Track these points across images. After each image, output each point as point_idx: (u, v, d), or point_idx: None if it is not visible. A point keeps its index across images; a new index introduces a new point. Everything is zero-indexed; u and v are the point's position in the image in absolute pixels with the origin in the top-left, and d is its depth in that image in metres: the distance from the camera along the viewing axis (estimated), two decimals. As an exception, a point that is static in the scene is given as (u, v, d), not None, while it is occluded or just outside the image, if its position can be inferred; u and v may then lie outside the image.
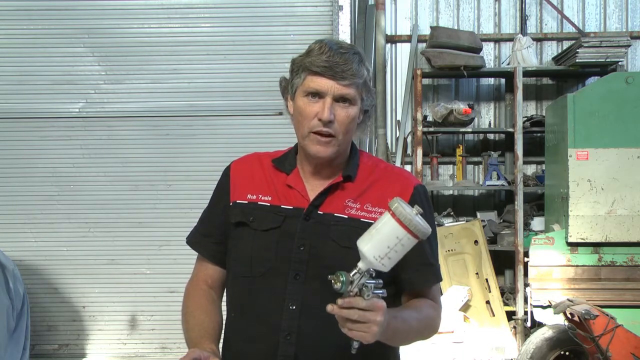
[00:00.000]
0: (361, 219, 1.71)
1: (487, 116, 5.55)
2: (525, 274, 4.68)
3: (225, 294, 1.85)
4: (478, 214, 5.32)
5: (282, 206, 1.74)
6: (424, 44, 5.33)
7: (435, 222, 1.90)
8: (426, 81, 5.39)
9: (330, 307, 1.46)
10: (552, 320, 4.24)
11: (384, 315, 1.48)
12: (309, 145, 1.70)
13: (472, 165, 5.51)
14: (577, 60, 4.87)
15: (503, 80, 5.48)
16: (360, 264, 1.49)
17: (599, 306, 3.94)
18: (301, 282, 1.67)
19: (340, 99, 1.68)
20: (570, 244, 4.32)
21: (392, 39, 5.46)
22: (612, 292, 4.25)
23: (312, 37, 4.52)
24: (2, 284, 3.89)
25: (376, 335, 1.48)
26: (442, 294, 4.46)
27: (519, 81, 4.98)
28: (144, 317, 4.95)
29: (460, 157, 5.34)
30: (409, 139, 5.33)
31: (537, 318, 4.34)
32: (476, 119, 5.40)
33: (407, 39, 5.45)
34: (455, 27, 5.41)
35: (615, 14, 5.46)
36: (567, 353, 4.24)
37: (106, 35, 4.92)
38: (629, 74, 4.54)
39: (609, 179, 4.26)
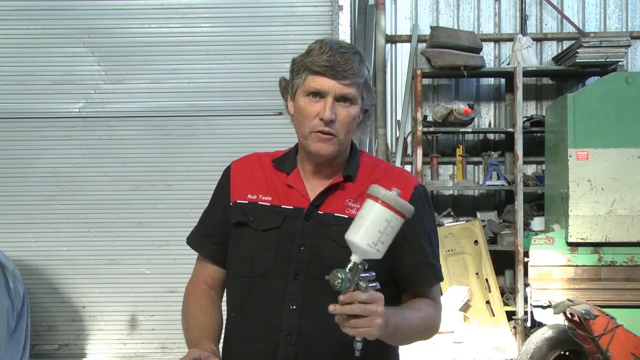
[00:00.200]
0: (361, 219, 1.71)
1: (487, 116, 5.55)
2: (525, 274, 4.68)
3: (225, 294, 1.85)
4: (478, 214, 5.33)
5: (283, 206, 1.74)
6: (424, 44, 5.33)
7: (436, 222, 1.89)
8: (426, 81, 5.39)
9: (332, 307, 1.46)
10: (552, 320, 4.24)
11: (383, 306, 1.49)
12: (311, 144, 1.70)
13: (472, 165, 5.51)
14: (577, 60, 4.87)
15: (503, 80, 5.48)
16: (353, 258, 1.50)
17: (599, 306, 3.94)
18: (301, 282, 1.67)
19: (341, 99, 1.68)
20: (570, 244, 4.32)
21: (392, 39, 5.46)
22: (612, 292, 4.25)
23: (312, 37, 4.53)
24: (2, 284, 3.89)
25: (380, 328, 1.48)
26: (442, 294, 4.46)
27: (519, 81, 4.99)
28: (144, 317, 4.95)
29: (460, 157, 5.34)
30: (409, 139, 5.34)
31: (537, 318, 4.34)
32: (476, 119, 5.40)
33: (407, 39, 5.45)
34: (455, 27, 5.41)
35: (615, 14, 5.46)
36: (567, 353, 4.24)
37: (106, 35, 4.92)
38: (629, 74, 4.54)
39: (609, 179, 4.26)
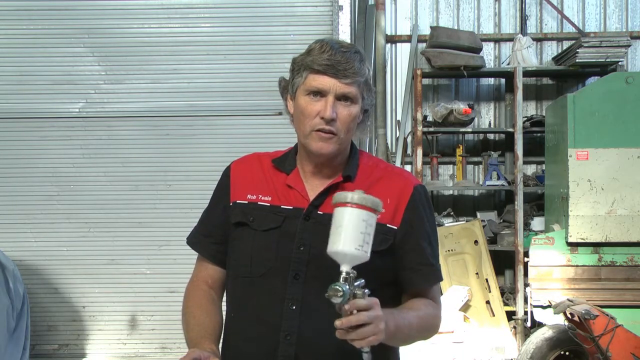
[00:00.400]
0: (361, 219, 1.71)
1: (487, 116, 5.55)
2: (525, 274, 4.68)
3: (225, 294, 1.85)
4: (478, 214, 5.33)
5: (282, 206, 1.74)
6: (424, 44, 5.33)
7: (436, 222, 1.89)
8: (426, 81, 5.39)
9: (339, 322, 1.46)
10: (552, 320, 4.24)
11: (380, 309, 1.50)
12: (311, 143, 1.70)
13: (472, 165, 5.51)
14: (577, 60, 4.87)
15: (503, 80, 5.48)
16: (344, 268, 1.49)
17: (599, 306, 3.94)
18: (301, 282, 1.67)
19: (341, 98, 1.68)
20: (570, 244, 4.32)
21: (392, 39, 5.46)
22: (612, 292, 4.25)
23: (312, 37, 4.52)
24: (2, 284, 3.89)
25: (384, 331, 1.49)
26: (442, 294, 4.46)
27: (519, 81, 4.99)
28: (144, 317, 4.95)
29: (460, 157, 5.34)
30: (409, 139, 5.33)
31: (537, 318, 4.34)
32: (476, 119, 5.40)
33: (407, 39, 5.45)
34: (455, 27, 5.41)
35: (615, 14, 5.46)
36: (567, 353, 4.24)
37: (106, 35, 4.92)
38: (629, 74, 4.54)
39: (609, 179, 4.26)
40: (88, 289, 4.95)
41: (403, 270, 1.75)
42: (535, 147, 5.36)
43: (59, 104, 4.93)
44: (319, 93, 1.68)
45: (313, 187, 1.76)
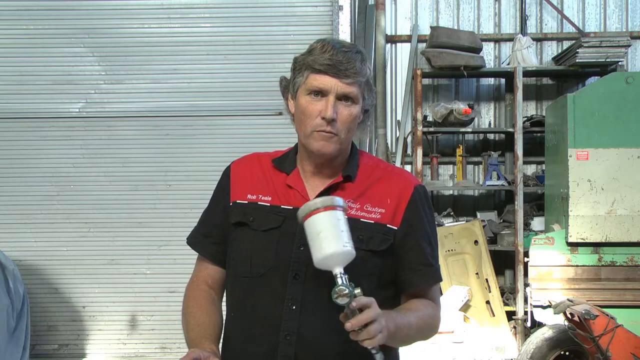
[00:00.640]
0: (361, 219, 1.71)
1: (487, 116, 5.55)
2: (525, 274, 4.68)
3: (225, 294, 1.85)
4: (478, 214, 5.33)
5: (282, 206, 1.74)
6: (424, 44, 5.33)
7: (436, 222, 1.89)
8: (426, 81, 5.39)
9: (350, 324, 1.47)
10: (552, 320, 4.24)
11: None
12: (312, 143, 1.70)
13: (472, 165, 5.51)
14: (577, 60, 4.86)
15: (503, 80, 5.48)
16: (337, 270, 1.51)
17: (599, 306, 3.94)
18: (301, 282, 1.67)
19: (342, 97, 1.68)
20: (570, 244, 4.32)
21: (392, 39, 5.46)
22: (612, 292, 4.25)
23: (312, 37, 4.53)
24: (2, 284, 3.90)
25: (386, 328, 1.51)
26: (441, 294, 4.46)
27: (519, 81, 4.98)
28: (144, 317, 4.95)
29: (460, 157, 5.34)
30: (409, 139, 5.33)
31: (537, 318, 4.34)
32: (476, 119, 5.40)
33: (407, 39, 5.45)
34: (455, 27, 5.41)
35: (615, 14, 5.46)
36: (567, 353, 4.24)
37: (106, 35, 4.92)
38: (629, 74, 4.53)
39: (609, 179, 4.26)
40: (88, 289, 4.95)
41: (402, 270, 1.75)
42: (535, 147, 5.36)
43: (59, 104, 4.94)
44: (320, 93, 1.68)
45: (313, 187, 1.76)
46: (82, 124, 4.94)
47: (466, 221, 5.21)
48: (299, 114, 1.72)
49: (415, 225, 1.75)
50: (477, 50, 5.13)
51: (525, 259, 4.65)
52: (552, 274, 4.32)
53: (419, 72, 5.10)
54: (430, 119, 5.24)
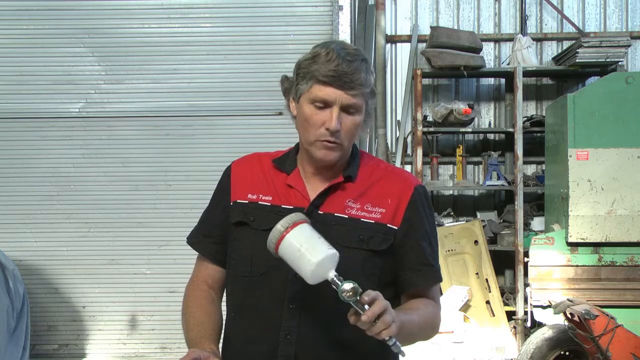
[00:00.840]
0: (361, 219, 1.71)
1: (487, 116, 5.55)
2: (525, 274, 4.68)
3: (225, 293, 1.85)
4: (478, 214, 5.32)
5: (283, 206, 1.74)
6: (424, 44, 5.33)
7: (436, 222, 1.89)
8: (426, 81, 5.39)
9: (366, 317, 1.46)
10: (552, 320, 4.24)
11: None
12: (316, 151, 1.70)
13: (472, 165, 5.51)
14: (577, 60, 4.86)
15: (503, 80, 5.48)
16: (331, 275, 1.52)
17: (599, 306, 3.94)
18: (301, 282, 1.67)
19: (346, 108, 1.67)
20: (570, 244, 4.32)
21: (392, 39, 5.46)
22: (612, 292, 4.25)
23: (312, 37, 4.57)
24: (2, 284, 3.90)
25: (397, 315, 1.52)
26: (441, 294, 4.46)
27: (519, 81, 4.98)
28: (144, 317, 4.95)
29: (460, 157, 5.34)
30: (409, 139, 5.33)
31: (537, 318, 4.34)
32: (476, 119, 5.40)
33: (407, 39, 5.45)
34: (455, 27, 5.41)
35: (615, 14, 5.46)
36: (567, 353, 4.24)
37: (106, 35, 4.92)
38: (629, 74, 4.53)
39: (609, 179, 4.26)
40: (88, 289, 4.95)
41: (403, 270, 1.75)
42: (535, 147, 5.36)
43: (59, 104, 4.94)
44: (324, 103, 1.67)
45: (314, 187, 1.76)
46: (82, 124, 4.94)
47: (466, 221, 5.21)
48: (302, 121, 1.71)
49: (416, 225, 1.75)
50: (477, 50, 5.13)
51: (525, 259, 4.65)
52: (552, 274, 4.32)
53: (419, 72, 5.10)
54: (430, 119, 5.24)
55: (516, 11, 5.47)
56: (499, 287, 4.97)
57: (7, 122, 4.93)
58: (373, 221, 1.71)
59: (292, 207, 1.73)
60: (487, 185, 5.20)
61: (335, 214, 1.72)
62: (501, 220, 5.28)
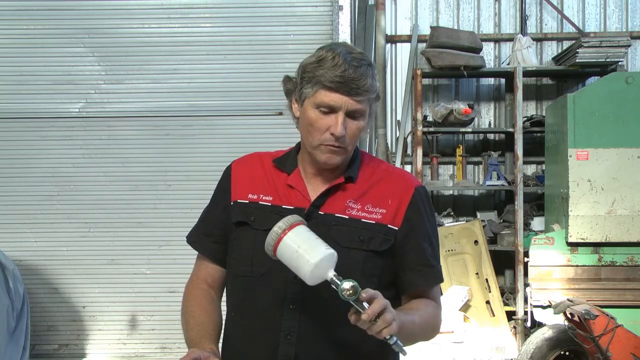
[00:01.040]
0: (362, 220, 1.71)
1: (487, 116, 5.55)
2: (525, 274, 4.68)
3: (225, 293, 1.85)
4: (478, 214, 5.32)
5: (283, 206, 1.74)
6: (424, 44, 5.33)
7: (436, 224, 1.89)
8: (426, 81, 5.39)
9: (366, 316, 1.46)
10: (552, 320, 4.24)
11: None
12: (319, 155, 1.70)
13: (472, 165, 5.51)
14: (577, 60, 4.86)
15: (503, 80, 5.48)
16: (330, 274, 1.52)
17: (599, 306, 3.94)
18: (301, 282, 1.67)
19: (352, 113, 1.67)
20: (570, 244, 4.32)
21: (392, 39, 5.46)
22: (612, 292, 4.25)
23: (312, 37, 4.57)
24: (2, 284, 3.89)
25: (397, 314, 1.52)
26: (442, 294, 4.46)
27: (519, 81, 4.98)
28: (144, 317, 4.95)
29: (460, 157, 5.34)
30: (409, 139, 5.33)
31: (537, 318, 4.34)
32: (476, 119, 5.40)
33: (407, 39, 5.45)
34: (455, 27, 5.41)
35: (615, 14, 5.46)
36: (567, 353, 4.24)
37: (106, 35, 4.92)
38: (629, 74, 4.53)
39: (609, 179, 4.26)
40: (88, 289, 4.95)
41: (403, 270, 1.75)
42: (535, 147, 5.36)
43: (59, 104, 4.94)
44: (330, 108, 1.67)
45: (314, 187, 1.76)
46: (82, 124, 4.94)
47: (466, 221, 5.21)
48: (305, 124, 1.70)
49: (416, 226, 1.75)
50: (477, 50, 5.13)
51: (525, 259, 4.65)
52: (552, 274, 4.32)
53: (419, 72, 5.10)
54: (430, 119, 5.24)
55: (516, 11, 5.47)
56: (499, 287, 4.97)
57: (7, 122, 4.93)
58: (374, 222, 1.71)
59: (292, 207, 1.73)
60: (487, 185, 5.20)
61: (336, 215, 1.72)
62: (501, 220, 5.28)
